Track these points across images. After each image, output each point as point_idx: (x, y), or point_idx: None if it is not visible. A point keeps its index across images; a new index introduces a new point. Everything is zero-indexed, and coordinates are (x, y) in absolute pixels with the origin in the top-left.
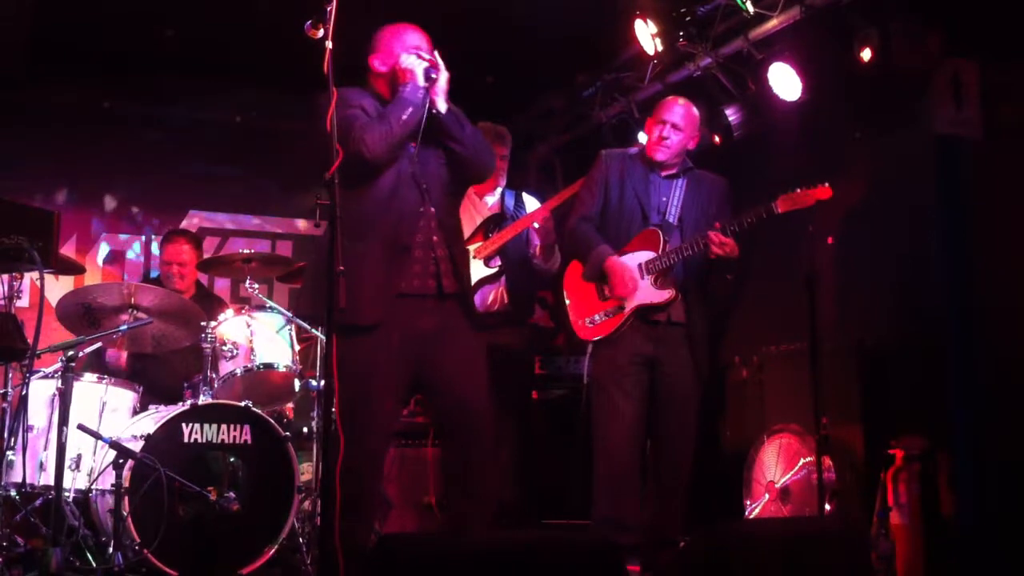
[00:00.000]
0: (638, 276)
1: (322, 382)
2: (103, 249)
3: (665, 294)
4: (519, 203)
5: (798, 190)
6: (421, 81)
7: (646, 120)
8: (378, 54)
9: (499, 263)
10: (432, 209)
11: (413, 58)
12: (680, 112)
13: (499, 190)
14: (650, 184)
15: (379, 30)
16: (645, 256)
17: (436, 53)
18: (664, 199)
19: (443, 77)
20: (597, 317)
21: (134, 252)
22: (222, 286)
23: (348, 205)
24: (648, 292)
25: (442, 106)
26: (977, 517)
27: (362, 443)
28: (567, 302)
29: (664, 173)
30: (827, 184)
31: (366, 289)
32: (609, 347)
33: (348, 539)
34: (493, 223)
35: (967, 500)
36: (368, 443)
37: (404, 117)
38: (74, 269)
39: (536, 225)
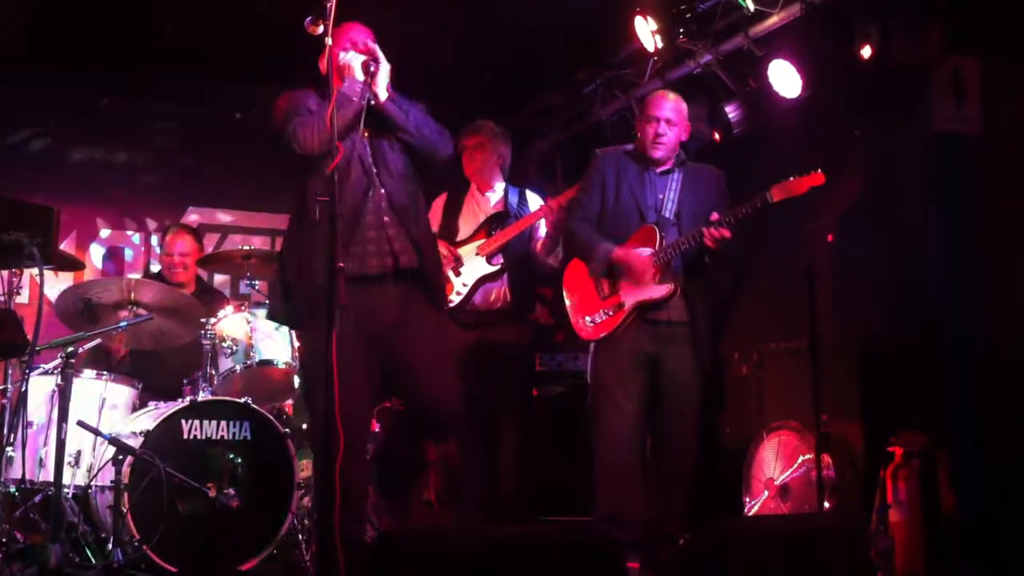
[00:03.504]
0: (652, 260)
1: None
2: (103, 245)
3: (664, 289)
4: (522, 200)
5: (791, 178)
6: (359, 75)
7: (637, 119)
8: (322, 55)
9: (501, 261)
10: (382, 191)
11: (351, 54)
12: (671, 106)
13: (501, 187)
14: (645, 181)
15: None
16: (643, 252)
17: (375, 45)
18: (660, 196)
19: (384, 68)
20: (597, 316)
21: (134, 248)
22: (221, 282)
23: (298, 200)
24: (648, 288)
25: (383, 95)
26: (977, 513)
27: (335, 439)
28: (568, 302)
29: (659, 169)
30: (820, 171)
31: (319, 276)
32: (611, 346)
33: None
34: (496, 220)
35: (967, 497)
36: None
37: (338, 111)
38: (74, 265)
39: (552, 209)
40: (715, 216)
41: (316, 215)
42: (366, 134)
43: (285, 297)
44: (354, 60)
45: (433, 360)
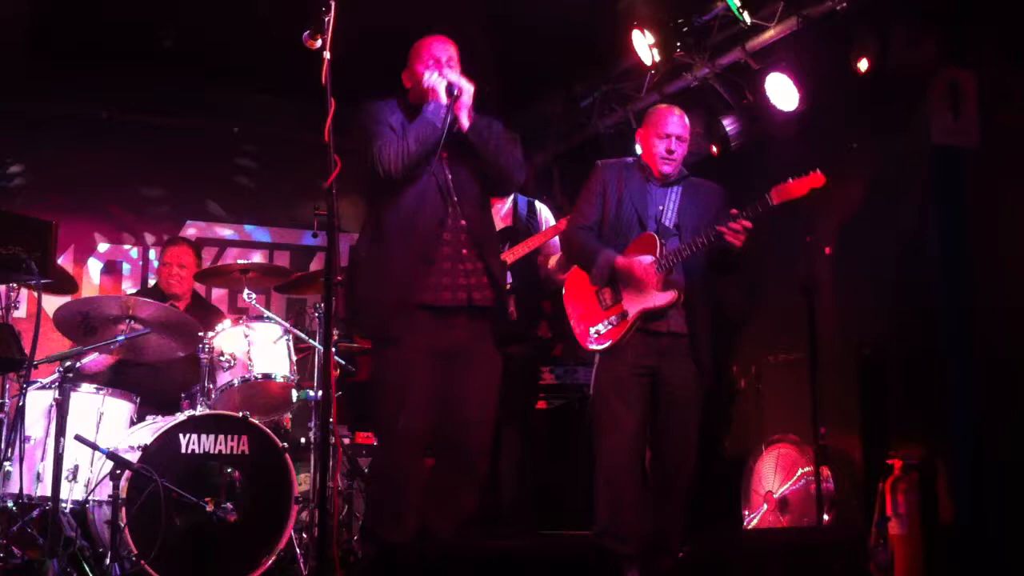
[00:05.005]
0: (654, 268)
1: (319, 392)
2: (100, 260)
3: (667, 296)
4: (532, 212)
5: (790, 180)
6: (443, 99)
7: (638, 132)
8: (406, 69)
9: (510, 278)
10: (462, 222)
11: (435, 76)
12: (681, 123)
13: (510, 197)
14: (647, 193)
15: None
16: (644, 260)
17: (457, 69)
18: (660, 206)
19: (467, 92)
20: (602, 326)
21: (131, 263)
22: (219, 296)
23: (372, 218)
24: (651, 296)
25: (465, 122)
26: (976, 522)
27: (394, 452)
28: (571, 313)
29: (662, 181)
30: (819, 171)
31: (390, 302)
32: (612, 357)
33: (377, 537)
34: (506, 236)
35: (966, 506)
36: (400, 453)
37: (422, 136)
38: (67, 287)
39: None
40: (734, 211)
41: (391, 237)
42: (444, 156)
43: (352, 315)
44: (438, 83)
45: (480, 395)
